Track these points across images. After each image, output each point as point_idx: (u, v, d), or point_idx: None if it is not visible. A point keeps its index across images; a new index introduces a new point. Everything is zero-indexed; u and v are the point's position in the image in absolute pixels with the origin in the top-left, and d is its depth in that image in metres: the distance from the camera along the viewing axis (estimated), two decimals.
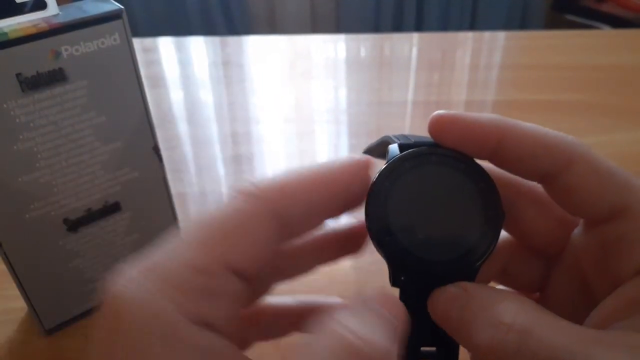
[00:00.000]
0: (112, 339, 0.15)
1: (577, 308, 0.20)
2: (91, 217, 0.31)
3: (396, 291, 0.20)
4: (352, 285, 0.36)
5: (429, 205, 0.19)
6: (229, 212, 0.17)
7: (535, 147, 0.18)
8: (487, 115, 0.19)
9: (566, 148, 0.18)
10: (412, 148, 0.19)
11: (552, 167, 0.18)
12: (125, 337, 0.15)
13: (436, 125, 0.19)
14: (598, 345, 0.16)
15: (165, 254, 0.16)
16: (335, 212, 0.20)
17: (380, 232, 0.19)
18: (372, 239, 0.19)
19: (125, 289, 0.15)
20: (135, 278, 0.16)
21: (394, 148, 0.20)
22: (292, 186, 0.18)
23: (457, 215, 0.19)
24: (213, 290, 0.16)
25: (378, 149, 0.22)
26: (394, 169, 0.19)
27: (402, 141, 0.20)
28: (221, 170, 0.49)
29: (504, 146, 0.19)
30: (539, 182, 0.19)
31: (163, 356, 0.15)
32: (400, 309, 0.18)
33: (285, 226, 0.18)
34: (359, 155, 0.20)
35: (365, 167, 0.20)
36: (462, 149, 0.19)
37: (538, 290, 0.23)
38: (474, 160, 0.19)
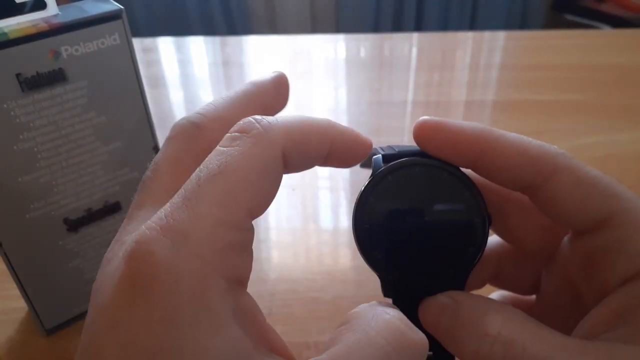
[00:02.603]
0: (145, 305, 0.14)
1: (568, 314, 0.20)
2: (91, 217, 0.31)
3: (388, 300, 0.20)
4: (352, 285, 0.36)
5: (414, 217, 0.19)
6: (242, 158, 0.16)
7: (517, 158, 0.18)
8: (470, 124, 0.19)
9: (548, 159, 0.18)
10: (396, 158, 0.19)
11: (534, 178, 0.18)
12: (159, 303, 0.14)
13: (420, 132, 0.19)
14: (583, 357, 0.16)
15: (189, 213, 0.15)
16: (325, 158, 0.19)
17: (367, 246, 0.19)
18: (361, 253, 0.20)
19: (153, 252, 0.14)
20: (162, 240, 0.14)
21: (377, 159, 0.20)
22: (295, 130, 0.17)
23: (444, 225, 0.19)
24: (242, 243, 0.16)
25: (370, 161, 0.22)
26: (378, 182, 0.19)
27: (387, 152, 0.20)
28: None
29: (486, 156, 0.19)
30: (522, 192, 0.19)
31: (196, 321, 0.14)
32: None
33: (286, 167, 0.17)
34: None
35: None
36: (445, 157, 0.19)
37: (532, 293, 0.23)
38: (458, 169, 0.19)
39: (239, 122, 0.17)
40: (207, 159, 0.16)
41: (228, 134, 0.17)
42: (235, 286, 0.16)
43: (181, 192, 0.16)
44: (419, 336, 0.16)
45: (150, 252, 0.14)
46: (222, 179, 0.15)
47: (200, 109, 0.19)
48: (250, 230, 0.16)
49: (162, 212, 0.15)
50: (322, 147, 0.18)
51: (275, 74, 0.22)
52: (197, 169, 0.16)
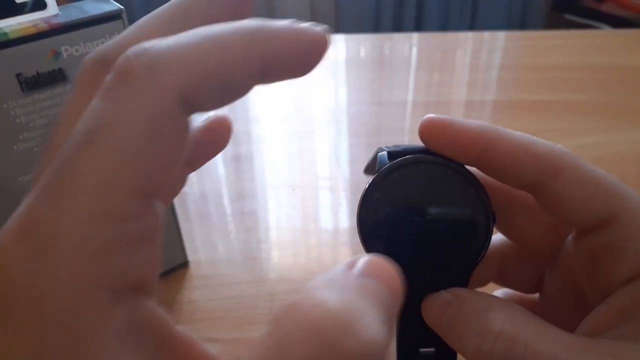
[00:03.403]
0: (3, 338, 0.11)
1: (571, 312, 0.20)
2: None
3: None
4: None
5: (419, 213, 0.19)
6: (118, 119, 0.12)
7: (522, 156, 0.18)
8: (476, 122, 0.19)
9: (553, 158, 0.18)
10: (401, 155, 0.20)
11: (538, 177, 0.18)
12: (20, 334, 0.11)
13: (426, 129, 0.19)
14: (584, 354, 0.16)
15: (52, 206, 0.11)
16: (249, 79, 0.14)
17: (371, 243, 0.19)
18: (365, 249, 0.20)
19: (7, 268, 0.11)
20: (19, 249, 0.11)
21: (382, 156, 0.20)
22: (196, 59, 0.12)
23: (448, 222, 0.19)
24: (133, 236, 0.12)
25: (374, 165, 0.22)
26: (383, 179, 0.19)
27: (392, 149, 0.20)
28: (221, 170, 0.49)
29: (491, 154, 0.19)
30: (526, 191, 0.19)
31: (68, 355, 0.11)
32: (394, 279, 0.14)
33: (193, 110, 0.13)
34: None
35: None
36: (450, 155, 0.19)
37: (536, 291, 0.23)
38: (462, 166, 0.19)
39: (119, 58, 0.12)
40: (79, 120, 0.12)
41: (107, 77, 0.12)
42: (126, 296, 0.12)
43: (45, 174, 0.12)
44: (359, 338, 0.11)
45: (3, 267, 0.11)
46: (92, 154, 0.11)
47: (123, 34, 0.15)
48: (147, 215, 0.12)
49: (24, 205, 0.12)
50: (246, 70, 0.13)
51: None
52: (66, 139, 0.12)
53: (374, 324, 0.12)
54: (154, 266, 0.13)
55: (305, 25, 0.14)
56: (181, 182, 0.19)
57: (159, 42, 0.12)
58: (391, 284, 0.14)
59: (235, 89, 0.13)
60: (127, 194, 0.12)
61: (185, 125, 0.13)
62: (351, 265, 0.14)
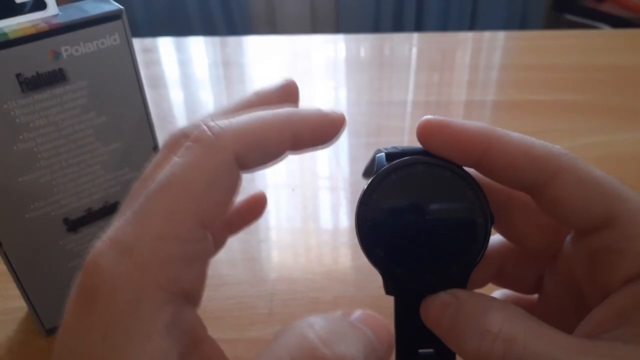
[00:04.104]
0: (87, 315, 0.15)
1: (570, 313, 0.20)
2: (91, 217, 0.31)
3: (389, 302, 0.20)
4: (352, 285, 0.36)
5: (417, 215, 0.19)
6: (189, 168, 0.16)
7: (520, 158, 0.18)
8: (474, 123, 0.19)
9: (551, 159, 0.18)
10: (399, 157, 0.19)
11: (537, 178, 0.18)
12: (99, 313, 0.15)
13: (423, 131, 0.19)
14: (582, 355, 0.16)
15: (135, 226, 0.15)
16: (291, 147, 0.19)
17: (370, 244, 0.19)
18: (364, 251, 0.20)
19: (99, 264, 0.15)
20: (108, 252, 0.15)
21: (380, 157, 0.20)
22: (249, 130, 0.17)
23: (446, 223, 0.19)
24: (191, 255, 0.16)
25: (373, 167, 0.22)
26: (381, 181, 0.19)
27: (390, 151, 0.20)
28: None
29: (490, 156, 0.19)
30: (525, 192, 0.19)
31: (128, 332, 0.15)
32: (385, 331, 0.18)
33: (244, 168, 0.17)
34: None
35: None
36: (448, 156, 0.19)
37: (535, 292, 0.23)
38: (461, 168, 0.19)
39: (192, 128, 0.17)
40: (161, 171, 0.17)
41: (186, 143, 0.17)
42: (178, 299, 0.16)
43: (130, 204, 0.16)
44: (335, 352, 0.15)
45: (96, 263, 0.15)
46: (168, 191, 0.16)
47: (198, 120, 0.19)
48: (203, 242, 0.16)
49: (113, 226, 0.16)
50: (282, 141, 0.18)
51: (284, 82, 0.21)
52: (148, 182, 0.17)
53: (354, 353, 0.16)
54: (202, 282, 0.17)
55: (327, 110, 0.19)
56: (223, 239, 0.24)
57: (224, 119, 0.17)
58: (381, 336, 0.17)
59: (274, 154, 0.18)
60: (190, 223, 0.16)
61: (237, 177, 0.17)
62: (347, 313, 0.18)
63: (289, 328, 0.16)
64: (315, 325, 0.16)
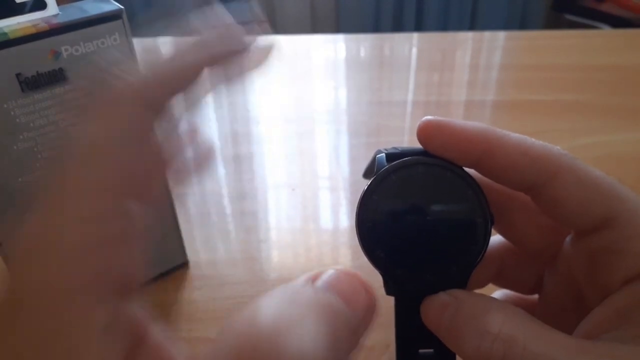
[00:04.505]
0: (6, 333, 0.13)
1: (570, 314, 0.20)
2: None
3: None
4: None
5: (417, 215, 0.19)
6: (91, 132, 0.14)
7: (519, 158, 0.18)
8: (473, 124, 0.19)
9: (551, 160, 0.18)
10: (399, 157, 0.20)
11: (536, 178, 0.18)
12: (17, 333, 0.13)
13: (424, 131, 0.19)
14: (582, 356, 0.16)
15: (48, 210, 0.13)
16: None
17: (370, 245, 0.19)
18: (364, 252, 0.20)
19: (16, 272, 0.13)
20: (27, 250, 0.13)
21: (381, 158, 0.20)
22: (151, 82, 0.15)
23: (446, 224, 0.19)
24: (119, 235, 0.13)
25: (373, 168, 0.22)
26: (382, 181, 0.19)
27: (390, 151, 0.20)
28: (221, 170, 0.49)
29: (489, 156, 0.19)
30: (524, 192, 0.19)
31: (64, 348, 0.12)
32: (359, 294, 0.16)
33: (156, 109, 0.16)
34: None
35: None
36: (448, 157, 0.19)
37: (535, 292, 0.23)
38: (461, 168, 0.19)
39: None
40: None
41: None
42: (110, 294, 0.13)
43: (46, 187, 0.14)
44: (281, 347, 0.13)
45: (14, 272, 0.13)
46: (70, 168, 0.14)
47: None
48: (128, 216, 0.14)
49: (35, 211, 0.14)
50: (193, 73, 0.16)
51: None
52: None
53: (306, 337, 0.13)
54: (136, 268, 0.14)
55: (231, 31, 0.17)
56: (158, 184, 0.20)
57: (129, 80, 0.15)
58: (355, 301, 0.15)
59: (181, 91, 0.16)
60: (104, 197, 0.13)
61: (151, 126, 0.15)
62: (314, 277, 0.15)
63: (235, 318, 0.14)
64: (261, 313, 0.13)
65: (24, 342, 0.12)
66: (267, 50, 0.18)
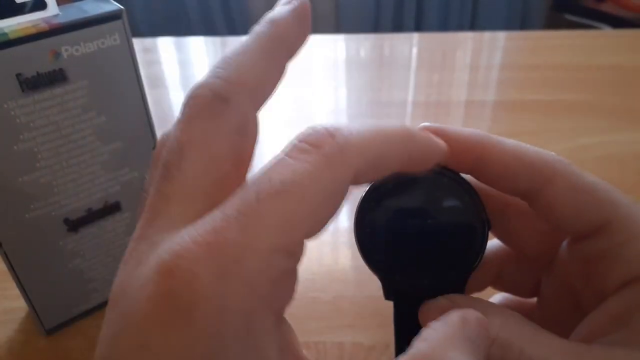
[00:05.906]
0: (184, 334, 0.12)
1: (568, 317, 0.20)
2: (91, 217, 0.31)
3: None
4: (352, 285, 0.36)
5: (415, 221, 0.19)
6: (311, 179, 0.14)
7: (514, 165, 0.19)
8: (469, 130, 0.19)
9: (545, 165, 0.18)
10: None
11: (532, 184, 0.19)
12: (200, 335, 0.13)
13: None
14: (578, 359, 0.16)
15: (244, 233, 0.13)
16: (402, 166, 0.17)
17: (369, 250, 0.20)
18: (362, 257, 0.20)
19: (197, 275, 0.13)
20: (207, 261, 0.13)
21: None
22: (372, 148, 0.16)
23: (444, 229, 0.19)
24: (293, 269, 0.15)
25: None
26: (379, 188, 0.19)
27: None
28: None
29: (485, 162, 0.19)
30: (520, 198, 0.19)
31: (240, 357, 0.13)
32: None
33: (355, 183, 0.16)
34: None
35: None
36: (444, 163, 0.19)
37: (534, 296, 0.23)
38: (457, 174, 0.20)
39: (308, 130, 0.15)
40: (268, 168, 0.15)
41: (296, 142, 0.15)
42: (281, 319, 0.15)
43: (235, 203, 0.14)
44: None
45: (193, 273, 0.13)
46: (285, 199, 0.14)
47: (220, 69, 0.16)
48: (302, 254, 0.15)
49: (209, 223, 0.13)
50: (398, 162, 0.17)
51: (293, 3, 0.18)
52: (255, 178, 0.14)
53: None
54: (293, 293, 0.15)
55: (432, 135, 0.18)
56: None
57: (346, 128, 0.15)
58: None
59: (386, 172, 0.17)
60: (300, 236, 0.14)
61: (347, 193, 0.15)
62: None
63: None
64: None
65: (193, 352, 0.13)
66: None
